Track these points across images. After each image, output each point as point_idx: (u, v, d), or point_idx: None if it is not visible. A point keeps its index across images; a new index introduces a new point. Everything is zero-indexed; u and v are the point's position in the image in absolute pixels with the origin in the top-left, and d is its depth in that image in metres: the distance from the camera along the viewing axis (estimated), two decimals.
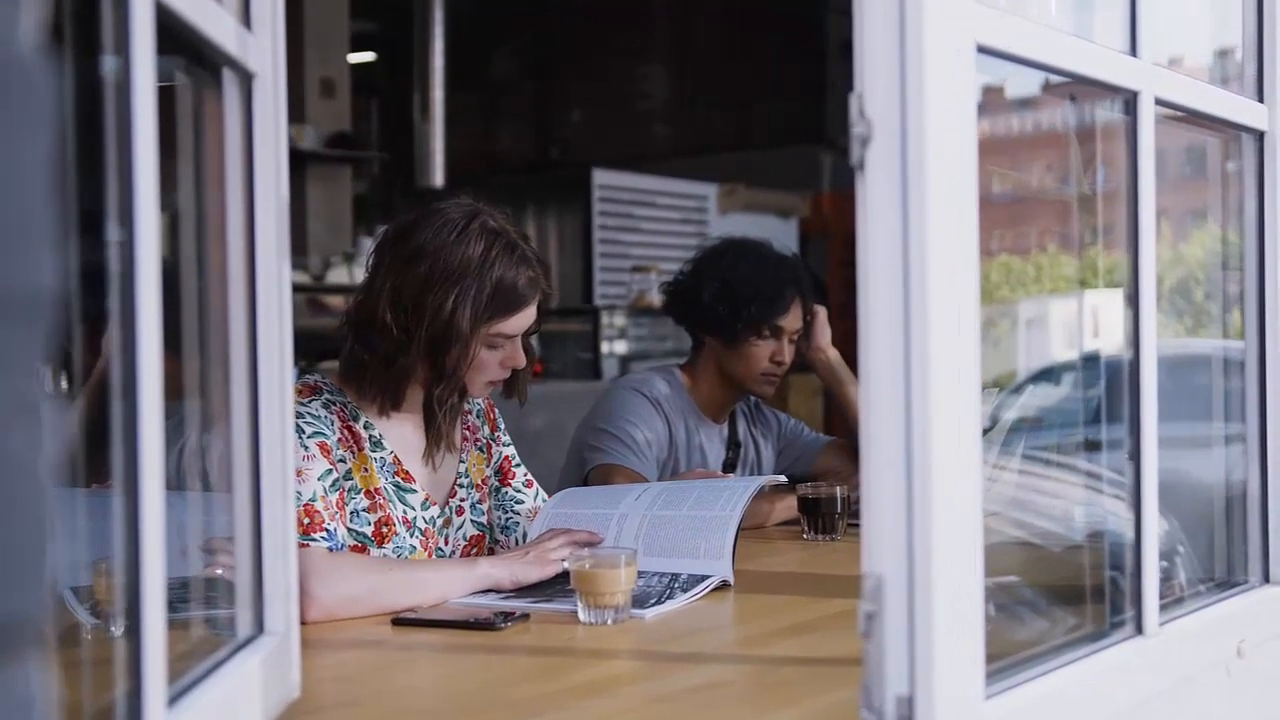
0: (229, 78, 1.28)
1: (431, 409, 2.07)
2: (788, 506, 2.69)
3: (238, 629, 1.33)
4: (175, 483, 1.36)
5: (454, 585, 1.91)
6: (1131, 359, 1.52)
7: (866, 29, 1.16)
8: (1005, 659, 1.32)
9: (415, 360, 2.03)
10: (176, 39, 1.12)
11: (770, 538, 2.63)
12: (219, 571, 1.40)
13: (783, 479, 2.46)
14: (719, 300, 2.89)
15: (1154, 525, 1.53)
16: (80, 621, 1.56)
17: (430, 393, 2.05)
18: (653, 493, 2.19)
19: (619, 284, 7.63)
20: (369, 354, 2.04)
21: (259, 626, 1.34)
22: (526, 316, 2.08)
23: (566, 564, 1.88)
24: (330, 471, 1.98)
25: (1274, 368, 1.82)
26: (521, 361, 2.11)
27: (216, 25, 1.19)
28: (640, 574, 1.93)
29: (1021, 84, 1.54)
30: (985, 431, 1.81)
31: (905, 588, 1.15)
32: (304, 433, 1.97)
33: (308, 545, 1.86)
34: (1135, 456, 1.52)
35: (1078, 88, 1.57)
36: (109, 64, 0.97)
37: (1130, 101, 1.50)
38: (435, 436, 2.11)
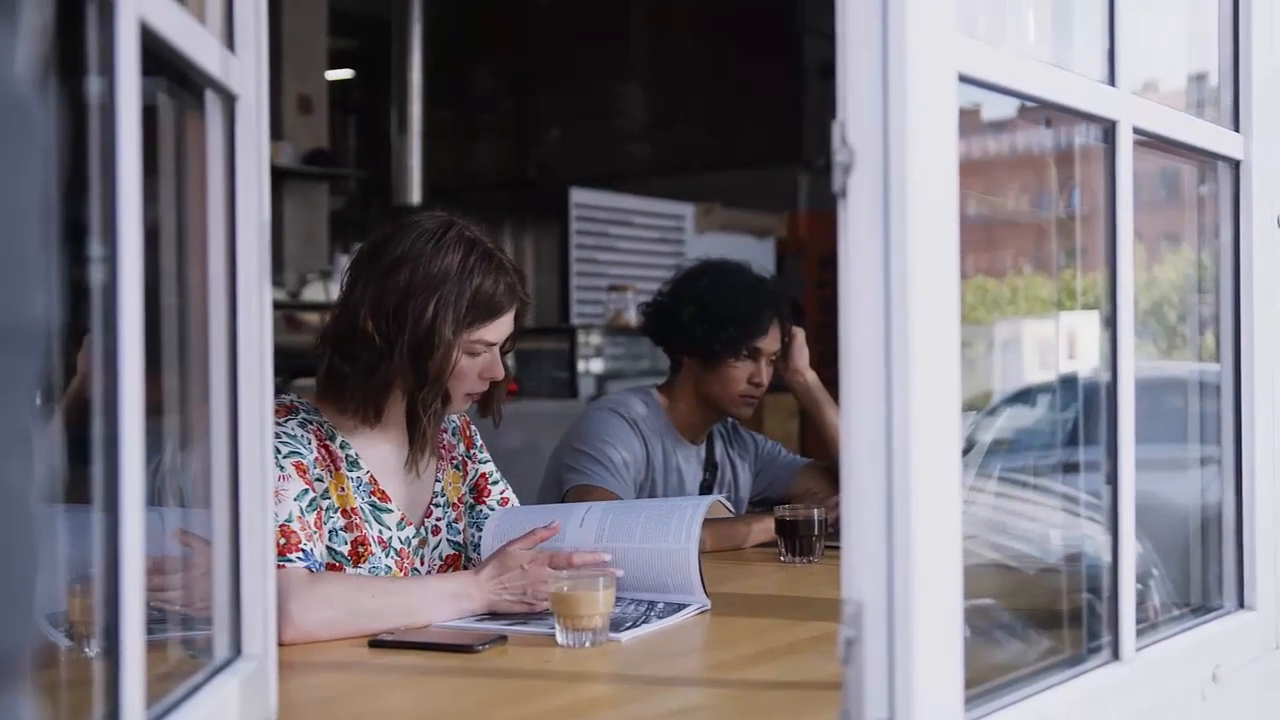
0: (212, 99, 1.28)
1: (415, 414, 2.07)
2: (765, 529, 2.69)
3: (215, 651, 1.32)
4: (149, 500, 1.35)
5: (434, 612, 1.90)
6: (1109, 384, 1.53)
7: (850, 57, 1.17)
8: (984, 684, 1.32)
9: (397, 369, 2.03)
10: (160, 60, 1.12)
11: (747, 560, 2.63)
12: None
13: (725, 499, 2.42)
14: (697, 321, 2.90)
15: (1131, 550, 1.53)
16: (54, 644, 1.55)
17: (413, 399, 2.05)
18: (596, 517, 2.13)
19: (595, 303, 7.63)
20: (350, 365, 2.04)
21: (236, 649, 1.33)
22: (505, 323, 2.09)
23: (548, 586, 1.87)
24: (307, 491, 1.97)
25: (1248, 392, 1.83)
26: (500, 373, 2.11)
27: (200, 47, 1.18)
28: (617, 599, 1.93)
29: (996, 107, 1.55)
30: (963, 453, 1.82)
31: (885, 614, 1.16)
32: (280, 453, 1.96)
33: (283, 566, 1.85)
34: (1112, 481, 1.53)
35: (1052, 112, 1.59)
36: (94, 84, 0.97)
37: (1109, 130, 1.52)
38: (420, 443, 2.10)
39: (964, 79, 1.24)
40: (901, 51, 1.15)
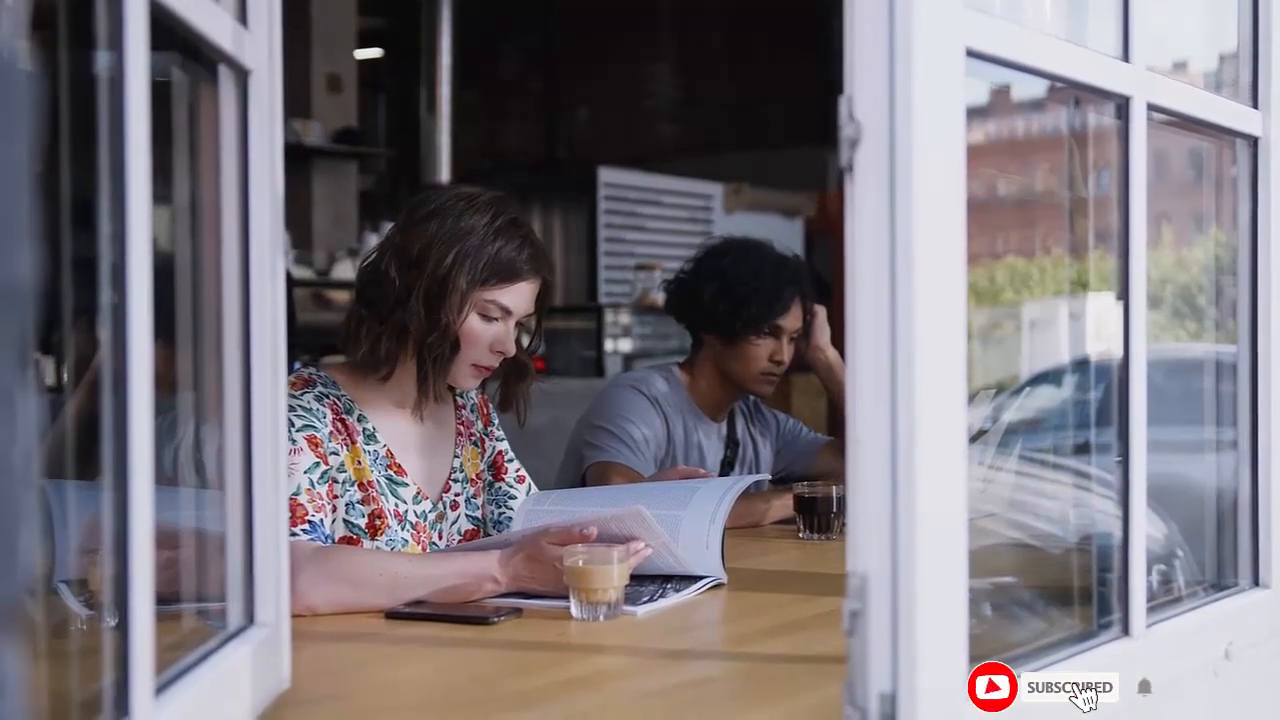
0: (225, 74, 1.30)
1: (422, 360, 2.09)
2: (784, 505, 2.70)
3: (228, 620, 1.34)
4: (172, 479, 1.37)
5: (454, 591, 1.86)
6: (1120, 363, 1.53)
7: (856, 32, 1.17)
8: (990, 658, 1.33)
9: (411, 314, 2.04)
10: (172, 35, 1.13)
11: (765, 536, 2.64)
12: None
13: (763, 481, 2.41)
14: (719, 299, 2.90)
15: (1142, 527, 1.53)
16: (74, 612, 1.57)
17: (421, 345, 2.07)
18: (629, 502, 2.03)
19: (623, 282, 7.64)
20: (368, 310, 2.07)
21: (249, 617, 1.35)
22: (522, 293, 2.11)
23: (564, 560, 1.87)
24: (318, 464, 1.99)
25: (1265, 371, 1.82)
26: (511, 349, 2.13)
27: (212, 22, 1.20)
28: (633, 574, 1.92)
29: (1028, 85, 1.55)
30: (984, 432, 1.82)
31: (889, 586, 1.16)
32: (294, 426, 1.97)
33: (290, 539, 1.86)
34: (1124, 457, 1.53)
35: (1079, 91, 1.58)
36: (103, 59, 0.99)
37: (1122, 107, 1.51)
38: (425, 389, 2.12)
39: (972, 54, 1.23)
40: (908, 26, 1.15)
